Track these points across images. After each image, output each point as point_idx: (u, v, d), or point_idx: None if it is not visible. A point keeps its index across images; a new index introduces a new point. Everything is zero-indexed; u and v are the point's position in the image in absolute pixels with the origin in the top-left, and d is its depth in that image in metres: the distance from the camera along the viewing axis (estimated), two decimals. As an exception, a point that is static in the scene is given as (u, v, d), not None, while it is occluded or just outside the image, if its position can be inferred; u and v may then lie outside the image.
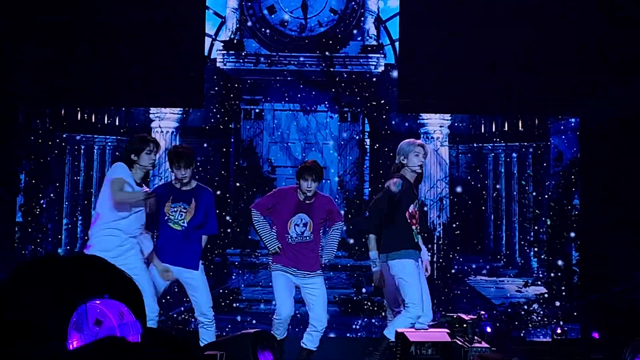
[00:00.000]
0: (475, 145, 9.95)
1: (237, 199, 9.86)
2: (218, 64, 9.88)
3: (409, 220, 6.77)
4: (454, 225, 9.79)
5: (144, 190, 6.44)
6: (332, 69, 9.86)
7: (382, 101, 9.89)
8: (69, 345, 2.13)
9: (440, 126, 9.88)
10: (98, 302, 2.18)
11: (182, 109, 9.84)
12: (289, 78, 9.88)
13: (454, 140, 9.90)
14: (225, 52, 9.91)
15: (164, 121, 9.83)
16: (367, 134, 9.94)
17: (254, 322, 9.58)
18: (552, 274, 9.60)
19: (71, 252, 9.57)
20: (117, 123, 9.87)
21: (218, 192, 9.50)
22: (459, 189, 9.82)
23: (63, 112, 9.76)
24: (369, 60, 9.90)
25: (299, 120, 9.99)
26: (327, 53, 9.87)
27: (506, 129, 9.97)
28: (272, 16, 10.02)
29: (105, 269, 2.23)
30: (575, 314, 9.41)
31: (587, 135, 9.48)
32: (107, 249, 6.18)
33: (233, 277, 9.80)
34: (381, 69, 9.89)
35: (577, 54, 9.17)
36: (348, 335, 9.55)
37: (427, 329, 5.77)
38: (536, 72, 9.31)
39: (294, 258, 7.00)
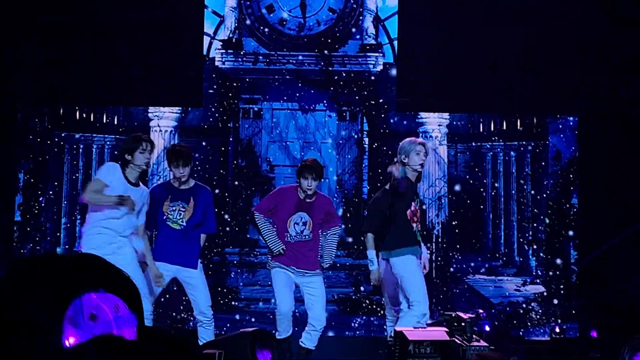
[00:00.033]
0: (473, 144, 9.96)
1: (235, 198, 9.86)
2: (217, 63, 9.88)
3: (409, 218, 6.77)
4: (453, 224, 9.79)
5: (118, 195, 6.29)
6: (330, 68, 9.86)
7: (381, 100, 9.89)
8: (65, 341, 2.13)
9: (439, 125, 9.89)
10: (94, 295, 2.18)
11: (180, 108, 9.85)
12: (287, 77, 9.88)
13: (453, 139, 9.91)
14: (223, 51, 9.92)
15: (163, 120, 9.83)
16: (365, 132, 9.94)
17: (252, 320, 9.59)
18: (551, 273, 9.61)
19: (70, 251, 9.57)
20: (115, 122, 9.87)
21: (217, 191, 9.51)
22: (457, 188, 9.83)
23: (62, 111, 9.76)
24: (368, 59, 9.90)
25: (298, 119, 9.99)
26: (325, 52, 9.88)
27: (505, 128, 9.97)
28: (271, 15, 10.02)
29: (101, 265, 2.24)
30: (573, 312, 9.42)
31: (586, 134, 9.48)
32: (98, 247, 6.17)
33: (232, 275, 9.80)
34: (380, 68, 9.89)
35: (578, 55, 9.17)
36: (347, 334, 9.56)
37: (425, 328, 5.77)
38: (536, 72, 9.31)
39: (293, 257, 7.01)
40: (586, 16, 9.13)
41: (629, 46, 9.07)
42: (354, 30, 9.99)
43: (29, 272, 2.13)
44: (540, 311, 9.55)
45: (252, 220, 7.14)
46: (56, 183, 9.61)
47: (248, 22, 9.98)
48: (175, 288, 7.94)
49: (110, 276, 2.19)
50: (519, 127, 9.95)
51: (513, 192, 9.89)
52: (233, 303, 9.69)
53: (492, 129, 9.99)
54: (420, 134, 9.73)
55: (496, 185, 9.93)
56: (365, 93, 9.88)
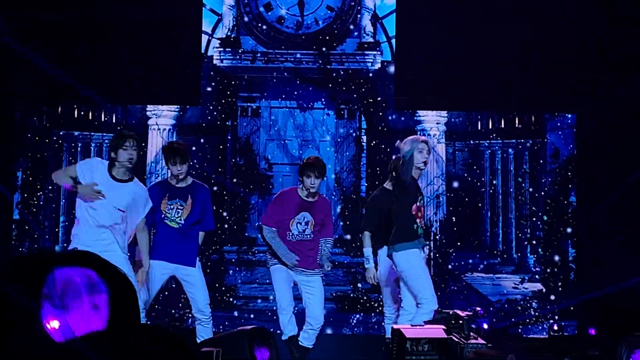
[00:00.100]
0: (471, 142, 9.96)
1: (233, 196, 9.87)
2: (215, 62, 9.88)
3: (413, 213, 6.75)
4: (451, 222, 9.80)
5: (79, 183, 6.28)
6: (328, 66, 9.86)
7: (379, 98, 9.90)
8: (46, 324, 2.14)
9: (437, 123, 9.89)
10: (66, 269, 2.18)
11: (179, 107, 9.85)
12: (285, 74, 9.89)
13: (451, 137, 9.91)
14: (222, 49, 9.92)
15: (161, 118, 9.84)
16: (364, 130, 9.95)
17: (251, 316, 9.60)
18: (549, 271, 9.61)
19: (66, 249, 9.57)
20: (114, 120, 9.87)
21: (215, 188, 9.52)
22: (455, 186, 9.83)
23: (60, 109, 9.76)
24: (366, 57, 9.90)
25: (296, 117, 10.00)
26: (323, 49, 9.88)
27: (503, 125, 9.98)
28: (269, 13, 10.03)
29: (92, 258, 2.24)
30: (572, 308, 9.43)
31: (584, 132, 9.49)
32: (88, 245, 6.15)
33: (230, 273, 9.81)
34: (378, 66, 9.89)
35: (576, 52, 9.17)
36: (345, 332, 9.57)
37: (423, 325, 5.77)
38: (534, 70, 9.31)
39: (293, 254, 7.02)
40: (584, 14, 9.13)
41: (627, 44, 9.07)
42: (352, 27, 10.00)
43: (11, 266, 2.14)
44: (538, 309, 9.56)
45: (260, 233, 7.11)
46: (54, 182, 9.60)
47: (246, 20, 9.98)
48: (174, 285, 7.94)
49: (88, 256, 2.19)
50: (517, 125, 9.96)
51: (511, 190, 9.90)
52: (231, 300, 9.70)
53: (490, 126, 10.00)
54: (419, 132, 9.73)
55: (494, 182, 9.94)
56: (364, 90, 9.88)
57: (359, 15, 9.98)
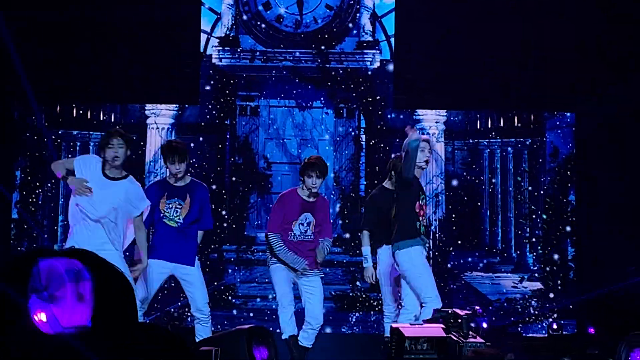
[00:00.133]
0: (470, 141, 9.96)
1: (232, 195, 9.86)
2: (214, 60, 9.88)
3: (416, 211, 6.73)
4: (450, 221, 9.79)
5: (84, 184, 6.31)
6: (327, 65, 9.86)
7: (378, 97, 9.89)
8: (34, 316, 2.13)
9: (436, 122, 9.89)
10: (49, 260, 2.17)
11: (177, 106, 9.85)
12: (284, 72, 9.88)
13: (450, 136, 9.91)
14: (220, 48, 9.91)
15: (160, 117, 9.84)
16: (362, 129, 9.95)
17: (251, 314, 9.59)
18: (548, 270, 9.61)
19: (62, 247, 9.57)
20: (112, 120, 9.87)
21: (214, 187, 9.52)
22: (454, 185, 9.83)
23: (58, 109, 9.75)
24: (365, 56, 9.90)
25: (295, 116, 9.99)
26: (322, 47, 9.87)
27: (502, 124, 9.98)
28: (268, 12, 10.02)
29: (92, 260, 2.23)
30: (571, 306, 9.42)
31: (583, 130, 9.48)
32: (83, 244, 6.15)
33: (229, 273, 9.80)
34: (377, 65, 9.89)
35: (576, 52, 9.17)
36: (344, 330, 9.56)
37: (421, 324, 5.76)
38: (533, 68, 9.30)
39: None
40: (583, 13, 9.13)
41: (626, 43, 9.07)
42: (351, 26, 9.99)
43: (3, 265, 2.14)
44: (537, 308, 9.56)
45: (267, 240, 7.07)
46: (53, 180, 9.59)
47: (245, 18, 9.98)
48: (173, 284, 7.94)
49: (75, 250, 2.18)
50: (516, 124, 9.96)
51: (510, 188, 9.90)
52: (230, 299, 9.69)
53: (489, 125, 9.99)
54: (417, 131, 9.72)
55: (493, 181, 9.94)
56: (363, 88, 9.88)
57: (358, 14, 9.98)
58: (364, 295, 9.66)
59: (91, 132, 9.83)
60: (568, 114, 9.70)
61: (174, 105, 9.82)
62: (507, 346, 7.60)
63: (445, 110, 9.87)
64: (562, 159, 9.68)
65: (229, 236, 9.82)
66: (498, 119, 9.99)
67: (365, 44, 9.94)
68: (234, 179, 9.87)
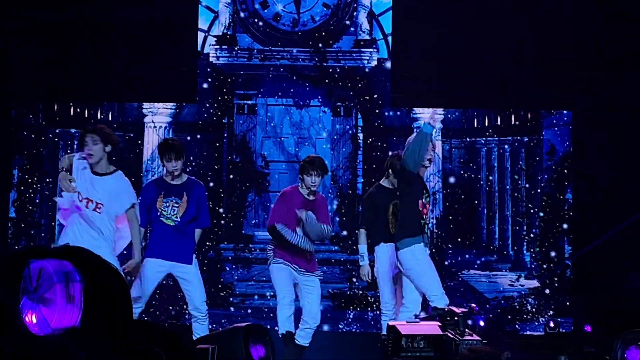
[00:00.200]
0: (468, 139, 9.97)
1: (230, 194, 9.87)
2: (211, 59, 9.89)
3: (419, 209, 6.73)
4: (447, 219, 9.80)
5: (69, 181, 6.38)
6: (325, 64, 9.86)
7: (375, 95, 9.90)
8: (25, 317, 2.13)
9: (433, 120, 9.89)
10: (40, 261, 2.17)
11: (175, 104, 9.85)
12: (281, 70, 9.89)
13: (447, 134, 9.92)
14: (218, 46, 9.92)
15: (157, 116, 9.84)
16: (360, 128, 9.96)
17: (248, 311, 9.60)
18: (545, 268, 9.63)
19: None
20: (110, 118, 9.87)
21: (211, 184, 9.53)
22: (452, 183, 9.84)
23: (56, 107, 9.76)
24: (362, 54, 9.91)
25: (292, 114, 10.00)
26: (320, 45, 9.88)
27: (499, 123, 9.99)
28: (265, 11, 10.02)
29: (85, 257, 2.23)
30: (567, 303, 9.44)
31: (580, 129, 9.49)
32: (75, 240, 6.18)
33: (227, 271, 9.81)
34: (374, 63, 9.90)
35: (573, 50, 9.18)
36: (341, 328, 9.57)
37: (418, 322, 5.78)
38: (531, 67, 9.31)
39: (296, 255, 7.00)
40: (580, 11, 9.14)
41: (624, 41, 9.08)
42: (348, 23, 10.00)
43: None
44: (534, 306, 9.57)
45: (273, 233, 7.05)
46: (50, 179, 9.60)
47: (242, 17, 9.98)
48: (171, 282, 7.94)
49: (89, 270, 2.18)
50: (513, 122, 9.97)
51: (507, 187, 9.91)
52: (228, 298, 9.70)
53: (486, 124, 10.00)
54: (415, 130, 9.73)
55: (490, 179, 9.95)
56: (360, 87, 9.89)
57: (355, 13, 9.98)
58: (361, 293, 9.67)
59: (89, 131, 9.82)
60: (565, 112, 9.71)
61: (172, 103, 9.83)
62: (504, 344, 7.62)
63: (442, 109, 9.88)
64: (559, 157, 9.69)
65: (227, 234, 9.82)
66: (495, 117, 10.00)
67: (362, 43, 9.95)
68: (231, 177, 9.88)
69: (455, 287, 9.64)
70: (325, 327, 9.25)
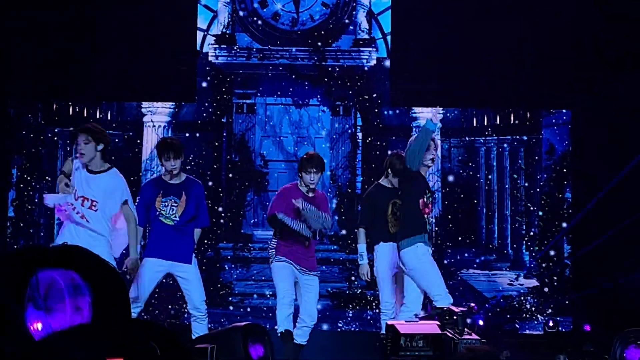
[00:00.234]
0: (467, 138, 9.97)
1: (229, 193, 9.87)
2: (210, 58, 9.89)
3: (421, 208, 6.73)
4: (446, 219, 9.80)
5: (63, 184, 6.44)
6: (324, 63, 9.86)
7: (374, 95, 9.90)
8: (30, 326, 2.14)
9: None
10: (48, 271, 2.18)
11: (174, 103, 9.85)
12: (280, 69, 9.89)
13: (446, 133, 9.91)
14: (217, 46, 9.92)
15: (156, 115, 9.84)
16: (359, 127, 9.95)
17: (248, 309, 9.60)
18: (544, 267, 9.63)
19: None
20: (109, 117, 9.87)
21: (210, 183, 9.53)
22: (451, 182, 9.84)
23: (55, 106, 9.75)
24: (361, 53, 9.91)
25: (291, 114, 10.00)
26: (319, 44, 9.87)
27: (498, 122, 9.99)
28: (264, 10, 10.02)
29: (83, 257, 2.24)
30: (567, 302, 9.44)
31: (579, 128, 9.49)
32: (72, 238, 6.19)
33: (226, 270, 9.81)
34: (373, 62, 9.90)
35: (573, 50, 9.18)
36: (340, 328, 9.57)
37: (417, 321, 5.77)
38: (531, 67, 9.31)
39: (298, 254, 6.99)
40: (580, 11, 9.14)
41: (624, 41, 9.08)
42: (347, 22, 10.00)
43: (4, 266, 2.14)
44: (533, 305, 9.57)
45: (273, 222, 7.03)
46: (49, 178, 9.60)
47: (241, 16, 9.98)
48: (170, 282, 7.95)
49: (73, 256, 2.18)
50: (512, 122, 9.97)
51: (506, 186, 9.91)
52: (227, 298, 9.70)
53: (485, 123, 10.00)
54: (414, 129, 9.74)
55: (490, 178, 9.95)
56: (359, 86, 9.89)
57: (354, 12, 9.98)
58: (360, 292, 9.67)
59: (88, 130, 9.81)
60: (564, 111, 9.71)
61: (171, 103, 9.83)
62: (503, 343, 7.63)
63: (441, 108, 9.86)
64: (558, 156, 9.70)
65: (226, 234, 9.82)
66: (494, 116, 10.00)
67: (361, 42, 9.95)
68: (230, 176, 9.88)
69: (454, 286, 9.63)
70: (325, 327, 9.26)
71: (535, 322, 9.46)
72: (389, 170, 7.21)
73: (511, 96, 9.48)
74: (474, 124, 10.02)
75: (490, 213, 9.91)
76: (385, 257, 7.14)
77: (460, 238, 9.79)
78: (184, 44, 9.56)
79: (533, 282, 9.65)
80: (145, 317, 8.13)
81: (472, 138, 9.98)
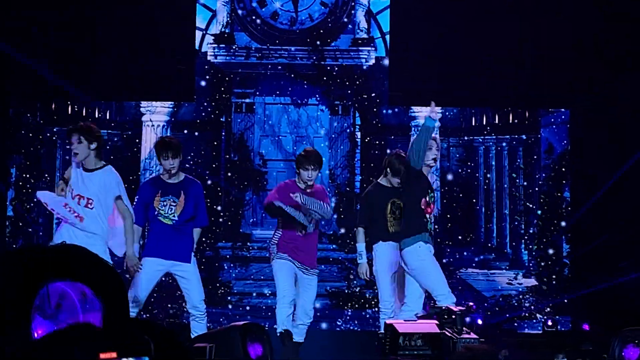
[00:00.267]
0: (465, 137, 9.97)
1: (228, 193, 9.86)
2: (209, 57, 9.88)
3: (422, 207, 6.72)
4: (445, 218, 9.80)
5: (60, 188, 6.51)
6: (322, 62, 9.86)
7: (373, 94, 9.90)
8: (34, 333, 2.14)
9: (431, 119, 9.87)
10: (60, 284, 2.18)
11: (173, 103, 9.84)
12: (279, 68, 9.89)
13: (445, 133, 9.91)
14: (215, 45, 9.91)
15: (155, 115, 9.84)
16: (357, 126, 9.95)
17: (247, 308, 9.60)
18: (543, 266, 9.63)
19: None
20: (107, 117, 9.86)
21: (209, 182, 9.53)
22: (449, 181, 9.84)
23: (54, 106, 9.75)
24: (360, 53, 9.90)
25: (290, 113, 10.00)
26: (317, 43, 9.87)
27: (497, 121, 9.99)
28: (263, 9, 10.02)
29: (75, 254, 2.24)
30: (565, 301, 9.45)
31: (579, 128, 9.49)
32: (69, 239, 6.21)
33: (225, 270, 9.81)
34: (372, 62, 9.90)
35: (573, 50, 9.18)
36: (339, 327, 9.57)
37: (416, 320, 5.77)
38: (530, 67, 9.31)
39: (299, 250, 6.98)
40: (580, 11, 9.14)
41: (623, 41, 9.08)
42: (345, 21, 10.00)
43: (5, 276, 2.14)
44: (532, 304, 9.57)
45: (270, 210, 7.01)
46: (48, 178, 9.60)
47: (240, 15, 9.98)
48: (170, 281, 7.95)
49: (80, 264, 2.19)
50: (510, 121, 9.97)
51: (505, 185, 9.91)
52: (226, 296, 9.70)
53: (484, 122, 10.00)
54: (413, 128, 9.75)
55: (488, 176, 9.95)
56: (358, 85, 9.89)
57: (353, 11, 9.98)
58: (359, 292, 9.67)
59: (86, 130, 9.81)
60: (563, 111, 9.71)
61: (169, 102, 9.82)
62: (501, 342, 7.62)
63: (440, 107, 9.86)
64: (556, 156, 9.70)
65: (225, 233, 9.82)
66: (493, 115, 10.00)
67: (360, 41, 9.95)
68: (229, 175, 9.88)
69: (453, 285, 9.57)
70: (324, 325, 9.26)
71: (534, 321, 9.47)
72: (388, 169, 7.20)
73: (511, 96, 9.48)
74: (473, 123, 10.02)
75: (489, 212, 9.92)
76: (384, 256, 7.13)
77: (459, 237, 9.79)
78: (183, 44, 9.57)
79: (532, 281, 9.65)
80: (144, 316, 8.13)
81: (471, 137, 9.98)
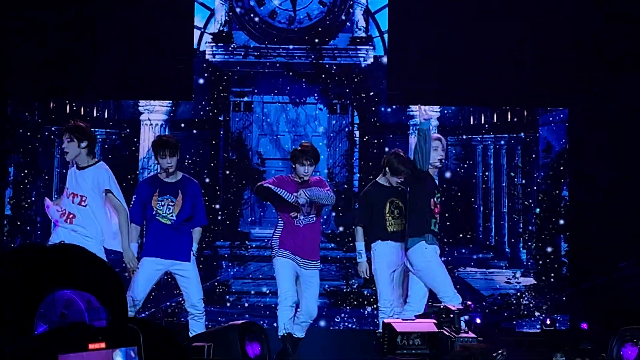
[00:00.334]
0: (464, 136, 9.97)
1: (226, 192, 9.86)
2: (207, 56, 9.88)
3: (432, 208, 6.72)
4: (443, 217, 9.79)
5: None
6: (321, 61, 9.86)
7: (371, 93, 9.89)
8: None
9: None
10: (66, 291, 2.18)
11: (171, 102, 9.84)
12: (277, 67, 9.88)
13: (443, 131, 9.90)
14: (214, 44, 9.91)
15: (153, 114, 9.83)
16: (356, 125, 9.95)
17: (246, 305, 9.60)
18: (541, 265, 9.63)
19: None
20: (106, 116, 9.86)
21: (207, 180, 9.53)
22: (448, 180, 9.84)
23: (52, 105, 9.74)
24: (358, 52, 9.90)
25: (289, 112, 10.00)
26: (316, 42, 9.87)
27: (495, 120, 9.99)
28: (261, 8, 10.02)
29: (78, 258, 2.24)
30: (564, 299, 9.45)
31: (578, 127, 9.49)
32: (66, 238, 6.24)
33: (223, 268, 9.80)
34: (370, 60, 9.90)
35: (573, 50, 9.18)
36: (337, 326, 9.57)
37: (414, 319, 5.78)
38: (530, 67, 9.31)
39: (300, 243, 6.95)
40: (580, 11, 9.14)
41: (623, 41, 9.08)
42: (344, 20, 9.99)
43: (6, 267, 2.14)
44: (531, 303, 9.57)
45: (261, 192, 6.98)
46: (46, 177, 9.60)
47: (238, 14, 9.97)
48: (169, 280, 7.95)
49: (85, 270, 2.18)
50: (509, 120, 9.97)
51: (503, 184, 9.91)
52: (224, 295, 9.70)
53: (482, 121, 10.00)
54: (411, 127, 9.75)
55: (487, 174, 9.95)
56: (356, 84, 9.88)
57: (351, 10, 9.98)
58: (357, 290, 9.67)
59: (85, 128, 9.80)
60: (561, 109, 9.71)
61: (168, 101, 9.82)
62: (500, 341, 7.62)
63: (438, 106, 9.87)
64: (555, 155, 9.70)
65: (223, 232, 9.82)
66: (491, 114, 10.00)
67: (358, 40, 9.94)
68: (227, 173, 9.87)
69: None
70: (322, 324, 9.26)
71: (533, 320, 9.47)
72: (387, 168, 7.20)
73: (511, 96, 9.48)
74: (471, 122, 10.02)
75: (487, 211, 9.92)
76: (382, 255, 7.14)
77: (457, 236, 9.79)
78: (181, 42, 9.55)
79: (530, 280, 9.65)
80: (142, 315, 8.12)
81: (469, 136, 9.98)
